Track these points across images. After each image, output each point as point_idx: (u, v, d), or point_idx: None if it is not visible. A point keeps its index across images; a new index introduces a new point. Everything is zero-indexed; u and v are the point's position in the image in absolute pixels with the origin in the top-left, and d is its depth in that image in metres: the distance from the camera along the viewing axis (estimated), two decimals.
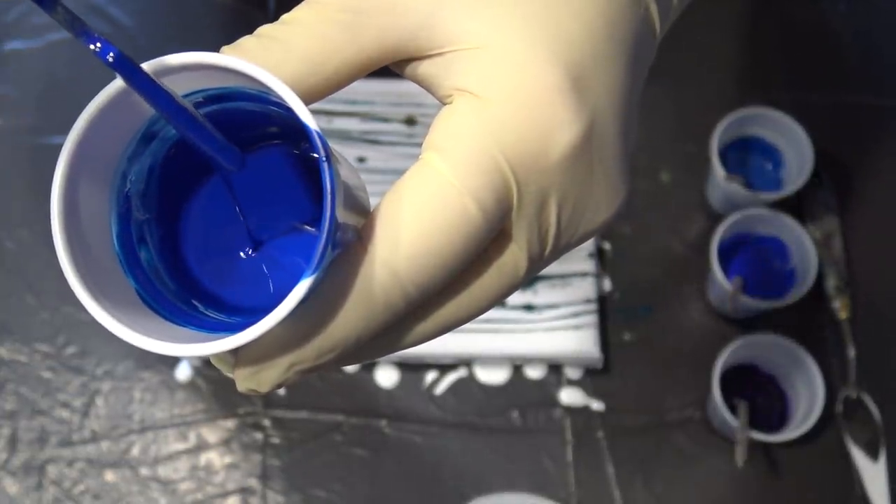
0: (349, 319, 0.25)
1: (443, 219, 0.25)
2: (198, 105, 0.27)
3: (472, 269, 0.27)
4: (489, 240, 0.26)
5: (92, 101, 0.26)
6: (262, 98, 0.27)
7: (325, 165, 0.24)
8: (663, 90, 0.84)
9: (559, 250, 0.28)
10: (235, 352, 0.26)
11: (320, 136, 0.24)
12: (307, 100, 0.27)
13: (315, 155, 0.25)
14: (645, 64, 0.29)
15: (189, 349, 0.24)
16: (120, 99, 0.26)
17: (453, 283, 0.27)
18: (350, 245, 0.26)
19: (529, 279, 0.29)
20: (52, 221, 0.25)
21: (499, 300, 0.28)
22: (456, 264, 0.25)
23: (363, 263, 0.25)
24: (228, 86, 0.27)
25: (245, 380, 0.26)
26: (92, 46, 0.23)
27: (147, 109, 0.27)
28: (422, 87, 0.28)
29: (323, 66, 0.26)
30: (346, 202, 0.26)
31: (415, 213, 0.25)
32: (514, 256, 0.27)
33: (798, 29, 0.86)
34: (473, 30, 0.26)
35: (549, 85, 0.25)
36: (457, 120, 0.25)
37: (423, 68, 0.27)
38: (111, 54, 0.23)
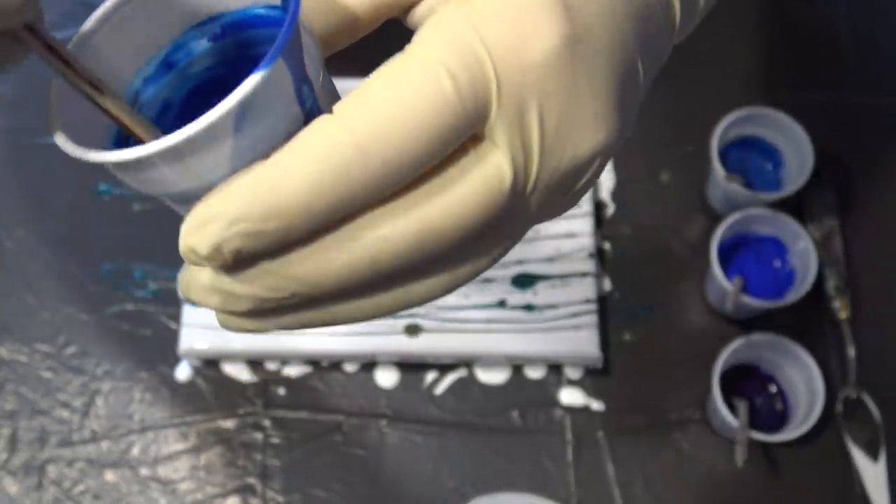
0: (297, 173, 0.23)
1: (411, 86, 0.24)
2: (215, 36, 0.27)
3: (451, 165, 0.25)
4: (465, 128, 0.25)
5: None
6: (273, 19, 0.27)
7: None
8: (663, 90, 0.84)
9: (546, 174, 0.26)
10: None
11: None
12: (327, 47, 0.27)
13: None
14: (654, 26, 0.29)
15: (106, 155, 0.24)
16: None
17: (430, 178, 0.25)
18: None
19: (523, 217, 0.27)
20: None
21: (486, 213, 0.25)
22: (425, 141, 0.24)
23: (323, 125, 0.24)
24: (240, 7, 0.27)
25: (187, 234, 0.24)
26: None
27: (169, 29, 0.27)
28: None
29: (336, 6, 0.27)
30: (325, 95, 0.25)
31: (384, 82, 0.24)
32: (496, 160, 0.25)
33: (798, 29, 0.86)
34: None
35: None
36: (441, 16, 0.25)
37: (424, 5, 0.27)
38: None
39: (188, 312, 0.74)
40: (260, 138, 0.24)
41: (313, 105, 0.25)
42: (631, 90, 0.28)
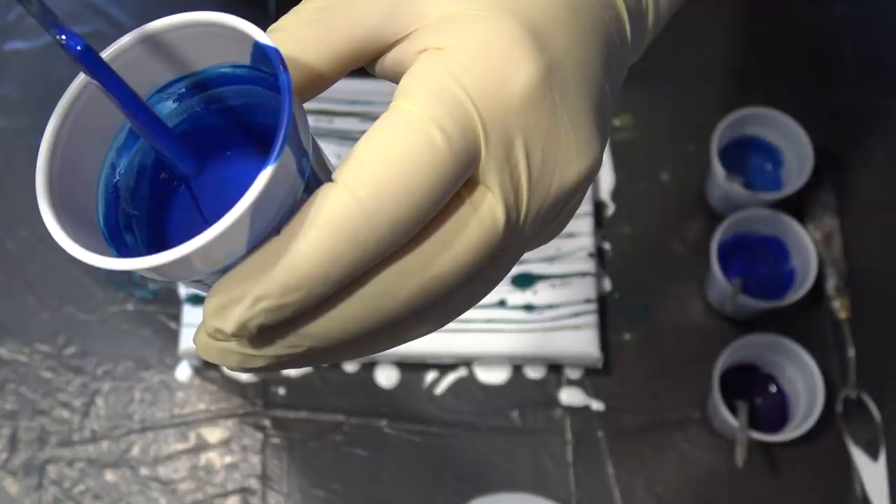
0: (312, 248, 0.24)
1: (406, 146, 0.25)
2: (180, 97, 0.28)
3: (449, 217, 0.26)
4: (459, 178, 0.26)
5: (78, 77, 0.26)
6: (241, 77, 0.27)
7: (281, 67, 0.25)
8: (663, 90, 0.84)
9: (536, 206, 0.27)
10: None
11: (277, 52, 0.25)
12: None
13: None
14: (614, 40, 0.30)
15: (130, 263, 0.24)
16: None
17: (430, 230, 0.26)
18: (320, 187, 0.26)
19: (517, 248, 0.28)
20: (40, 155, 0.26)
21: (483, 256, 0.27)
22: (425, 197, 0.25)
23: (328, 194, 0.25)
24: (206, 67, 0.27)
25: (211, 317, 0.25)
26: (59, 37, 0.24)
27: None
28: (395, 80, 0.28)
29: (298, 65, 0.27)
30: (317, 159, 0.26)
31: (379, 144, 0.25)
32: (489, 203, 0.26)
33: (798, 29, 0.86)
34: (435, 6, 0.27)
35: (507, 33, 0.26)
36: (420, 68, 0.26)
37: (392, 55, 0.28)
38: (78, 46, 0.24)
39: (188, 312, 0.74)
40: (271, 218, 0.25)
41: (311, 172, 0.26)
42: (605, 116, 0.29)
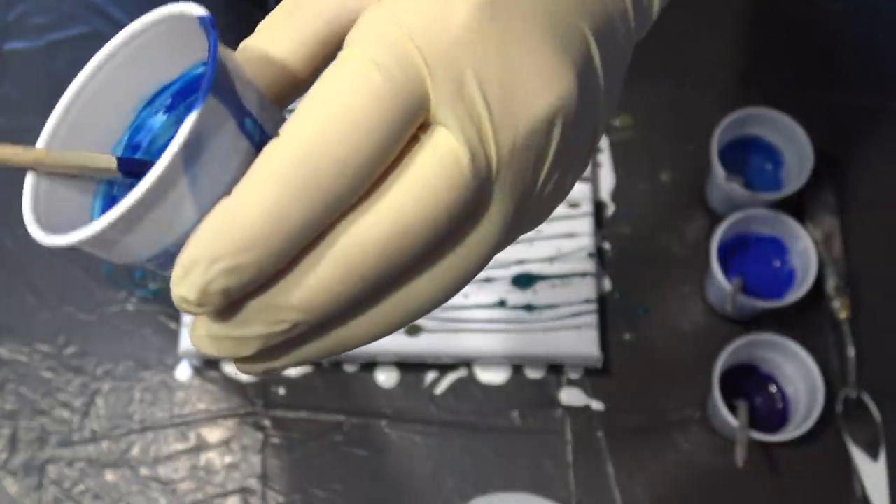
0: (258, 203, 0.23)
1: (345, 89, 0.24)
2: (168, 108, 0.28)
3: (407, 161, 0.25)
4: (406, 117, 0.25)
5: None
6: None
7: (210, 25, 0.25)
8: (663, 90, 0.84)
9: (508, 143, 0.26)
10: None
11: (206, 16, 0.25)
12: (278, 101, 0.28)
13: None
14: (605, 14, 0.29)
15: (76, 235, 0.24)
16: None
17: (389, 176, 0.25)
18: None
19: (499, 204, 0.27)
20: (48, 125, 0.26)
21: (453, 200, 0.25)
22: (370, 139, 0.24)
23: (272, 148, 0.24)
24: (182, 72, 0.28)
25: (174, 285, 0.24)
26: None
27: (127, 110, 0.28)
28: None
29: (273, 63, 0.27)
30: (272, 124, 0.26)
31: (320, 92, 0.24)
32: (446, 140, 0.25)
33: (798, 29, 0.86)
34: None
35: None
36: (362, 18, 0.26)
37: None
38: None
39: None
40: (216, 178, 0.24)
41: (263, 137, 0.26)
42: (579, 53, 0.28)
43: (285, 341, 0.26)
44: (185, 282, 0.24)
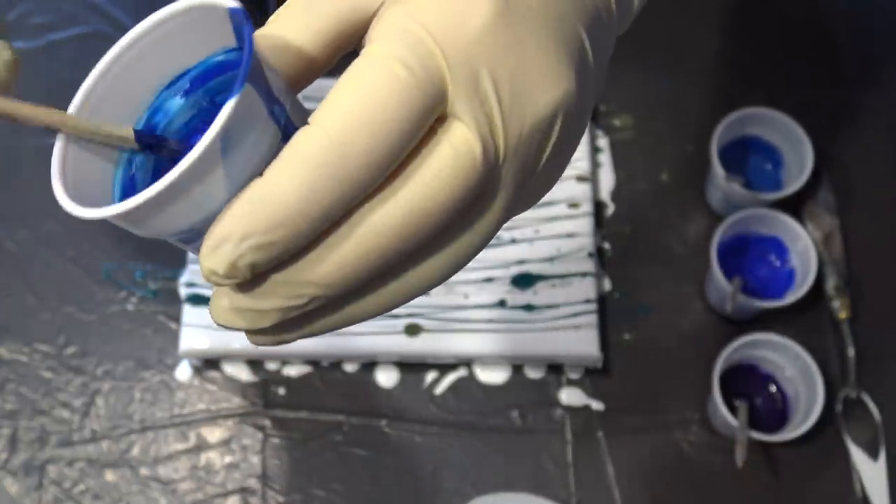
0: (291, 185, 0.25)
1: (372, 83, 0.26)
2: (186, 91, 0.30)
3: (426, 151, 0.27)
4: (427, 110, 0.27)
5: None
6: (235, 62, 0.29)
7: (242, 18, 0.27)
8: (663, 90, 0.84)
9: (514, 135, 0.28)
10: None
11: (238, 9, 0.27)
12: (293, 87, 0.30)
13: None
14: (594, 9, 0.31)
15: (116, 208, 0.25)
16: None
17: (409, 165, 0.27)
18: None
19: (505, 188, 0.29)
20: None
21: (465, 187, 0.27)
22: (395, 129, 0.26)
23: (304, 135, 0.26)
24: (203, 58, 0.29)
25: (204, 258, 0.26)
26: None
27: (147, 90, 0.29)
28: None
29: (290, 51, 0.29)
30: (297, 115, 0.28)
31: (347, 85, 0.26)
32: (462, 133, 0.27)
33: (798, 28, 0.86)
34: None
35: None
36: (384, 14, 0.28)
37: (371, 27, 0.29)
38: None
39: (188, 312, 0.74)
40: (247, 160, 0.26)
41: (287, 122, 0.28)
42: (578, 53, 0.30)
43: (300, 315, 0.28)
44: (216, 255, 0.26)
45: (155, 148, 0.28)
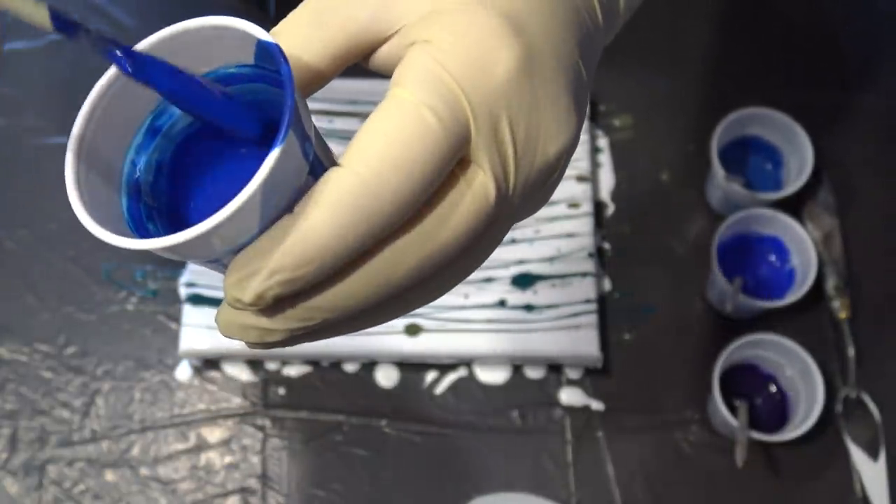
0: (322, 224, 0.27)
1: (402, 128, 0.27)
2: None
3: (446, 194, 0.29)
4: (452, 155, 0.28)
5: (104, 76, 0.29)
6: (247, 76, 0.29)
7: (283, 59, 0.27)
8: (663, 90, 0.84)
9: (522, 178, 0.30)
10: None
11: (278, 47, 0.27)
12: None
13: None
14: (586, 23, 0.33)
15: (156, 242, 0.26)
16: (123, 86, 0.29)
17: (430, 206, 0.28)
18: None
19: (506, 218, 0.31)
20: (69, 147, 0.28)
21: (478, 227, 0.29)
22: (422, 174, 0.27)
23: (335, 176, 0.27)
24: (215, 68, 0.30)
25: (231, 287, 0.27)
26: (121, 65, 0.26)
27: (148, 102, 0.30)
28: (388, 73, 0.30)
29: (298, 63, 0.30)
30: (319, 146, 0.29)
31: (378, 128, 0.28)
32: (481, 179, 0.29)
33: (798, 29, 0.86)
34: (421, 3, 0.30)
35: (487, 22, 0.29)
36: (411, 59, 0.29)
37: (384, 50, 0.30)
38: (128, 68, 0.27)
39: (188, 312, 0.74)
40: (280, 197, 0.27)
41: (314, 156, 0.29)
42: (581, 94, 0.32)
43: (306, 328, 0.29)
44: (244, 287, 0.27)
45: (72, 35, 0.28)
